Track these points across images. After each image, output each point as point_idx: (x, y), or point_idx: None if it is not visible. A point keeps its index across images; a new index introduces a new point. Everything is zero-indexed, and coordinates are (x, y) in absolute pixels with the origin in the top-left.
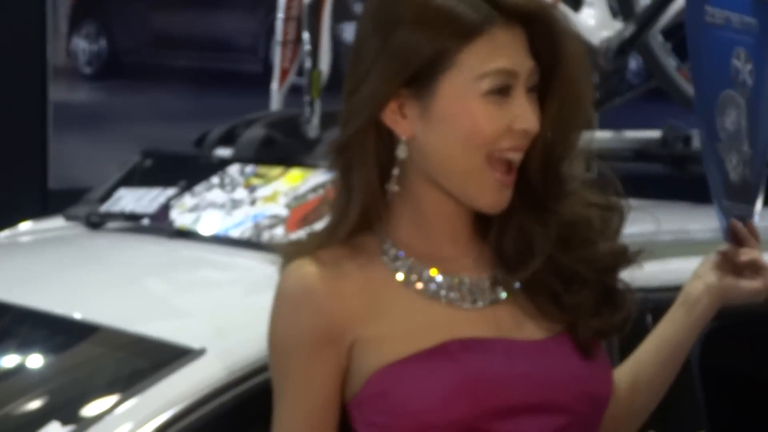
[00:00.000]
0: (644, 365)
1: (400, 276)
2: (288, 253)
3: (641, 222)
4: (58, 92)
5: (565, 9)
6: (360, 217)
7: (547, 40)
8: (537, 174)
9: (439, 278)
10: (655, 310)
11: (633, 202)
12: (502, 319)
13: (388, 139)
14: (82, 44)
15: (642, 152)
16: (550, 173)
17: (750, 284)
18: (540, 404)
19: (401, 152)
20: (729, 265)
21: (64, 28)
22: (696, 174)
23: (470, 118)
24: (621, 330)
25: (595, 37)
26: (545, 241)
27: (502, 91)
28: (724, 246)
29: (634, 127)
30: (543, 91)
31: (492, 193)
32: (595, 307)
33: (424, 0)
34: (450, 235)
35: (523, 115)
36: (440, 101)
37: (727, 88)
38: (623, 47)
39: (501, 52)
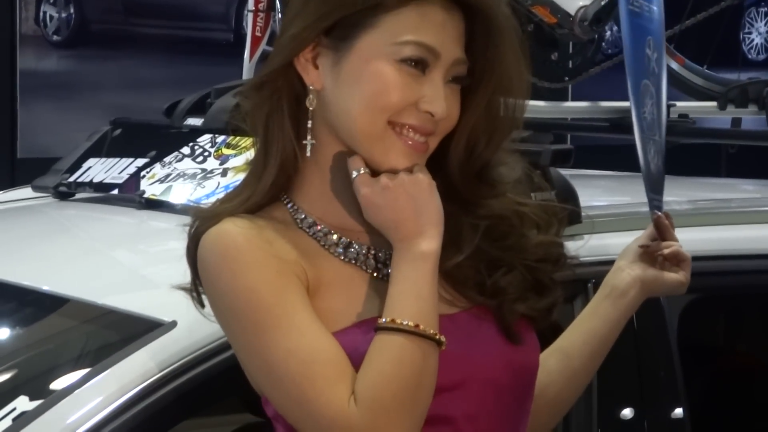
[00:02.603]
0: (571, 358)
1: (324, 245)
2: (200, 217)
3: (615, 193)
4: (26, 60)
5: None
6: (277, 174)
7: (485, 36)
8: (456, 170)
9: (357, 247)
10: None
11: (605, 173)
12: None
13: (300, 89)
14: (50, 12)
15: (618, 123)
16: (471, 172)
17: (673, 276)
18: (457, 382)
19: (309, 102)
20: (650, 257)
21: None
22: (672, 145)
23: (378, 81)
24: (547, 317)
25: (571, 6)
26: (473, 233)
27: (418, 65)
28: (644, 239)
29: (609, 97)
30: (474, 87)
31: (399, 157)
32: (521, 292)
33: None
34: (357, 204)
35: (433, 97)
36: (354, 58)
37: (644, 78)
38: (599, 16)
39: (428, 28)
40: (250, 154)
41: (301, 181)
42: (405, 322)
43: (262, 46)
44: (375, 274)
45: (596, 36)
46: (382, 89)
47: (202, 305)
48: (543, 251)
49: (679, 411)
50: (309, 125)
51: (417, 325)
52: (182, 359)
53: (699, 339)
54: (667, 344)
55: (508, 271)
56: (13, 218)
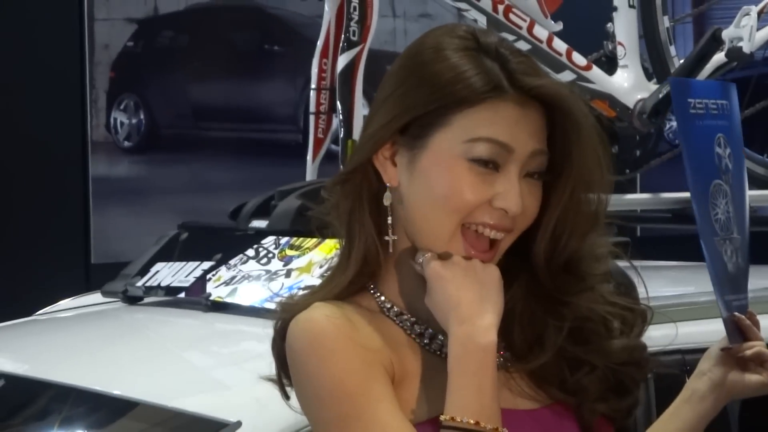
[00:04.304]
0: None
1: (411, 334)
2: (286, 310)
3: (681, 284)
4: (98, 167)
5: (599, 73)
6: (360, 267)
7: (563, 130)
8: (542, 264)
9: (442, 338)
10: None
11: (672, 263)
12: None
13: (379, 186)
14: (120, 118)
15: (680, 213)
16: (557, 265)
17: (756, 378)
18: None
19: (386, 199)
20: (733, 359)
21: (103, 103)
22: None
23: (450, 181)
24: (626, 417)
25: (630, 100)
26: (557, 335)
27: (490, 164)
28: (725, 341)
29: (674, 187)
30: (556, 180)
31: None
32: (602, 392)
33: (442, 55)
34: None
35: (507, 194)
36: (428, 156)
37: (715, 179)
38: (658, 108)
39: (501, 124)
40: (314, 254)
41: (386, 273)
42: (465, 420)
43: (325, 146)
44: None
45: (656, 128)
46: (454, 189)
47: (287, 397)
48: (627, 355)
49: None
50: (389, 221)
51: (477, 423)
52: None
53: (762, 424)
54: (728, 428)
55: (590, 371)
56: (83, 323)
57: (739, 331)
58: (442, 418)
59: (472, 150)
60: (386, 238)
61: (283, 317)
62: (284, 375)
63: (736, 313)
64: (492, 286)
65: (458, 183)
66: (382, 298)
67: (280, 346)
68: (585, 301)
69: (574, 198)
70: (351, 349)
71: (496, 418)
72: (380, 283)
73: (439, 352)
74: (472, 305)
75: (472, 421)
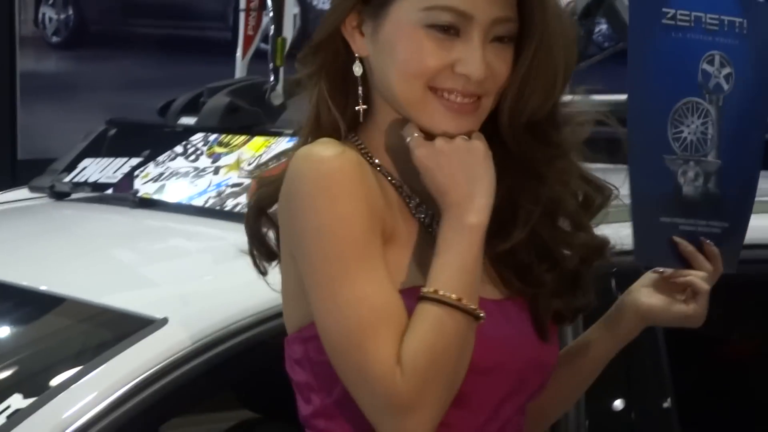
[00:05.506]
0: (559, 365)
1: (402, 195)
2: (264, 184)
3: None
4: (25, 62)
5: None
6: (329, 133)
7: None
8: (507, 125)
9: (424, 207)
10: (618, 274)
11: (599, 165)
12: None
13: (346, 56)
14: (49, 13)
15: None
16: (520, 124)
17: (683, 309)
18: (492, 367)
19: (356, 69)
20: (666, 284)
21: None
22: None
23: (408, 47)
24: (574, 317)
25: (560, 1)
26: (530, 215)
27: (448, 30)
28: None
29: (605, 90)
30: (521, 41)
31: (445, 120)
32: (559, 289)
33: None
34: None
35: (468, 59)
36: (388, 25)
37: (688, 96)
38: (589, 10)
39: None
40: (242, 152)
41: (374, 133)
42: (448, 294)
43: (255, 44)
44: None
45: (587, 30)
46: (414, 56)
47: (263, 273)
48: (588, 252)
49: (666, 401)
50: (360, 92)
51: (459, 299)
52: (174, 355)
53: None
54: (654, 335)
55: (553, 265)
56: (9, 218)
57: (679, 257)
58: (424, 289)
59: (428, 17)
60: (357, 108)
61: (260, 192)
62: (258, 252)
63: (676, 237)
64: (479, 164)
65: (417, 49)
66: (369, 154)
67: (254, 223)
68: (558, 173)
69: (537, 58)
70: (362, 193)
71: (476, 299)
72: (367, 142)
73: (421, 219)
74: (461, 190)
75: (454, 297)
